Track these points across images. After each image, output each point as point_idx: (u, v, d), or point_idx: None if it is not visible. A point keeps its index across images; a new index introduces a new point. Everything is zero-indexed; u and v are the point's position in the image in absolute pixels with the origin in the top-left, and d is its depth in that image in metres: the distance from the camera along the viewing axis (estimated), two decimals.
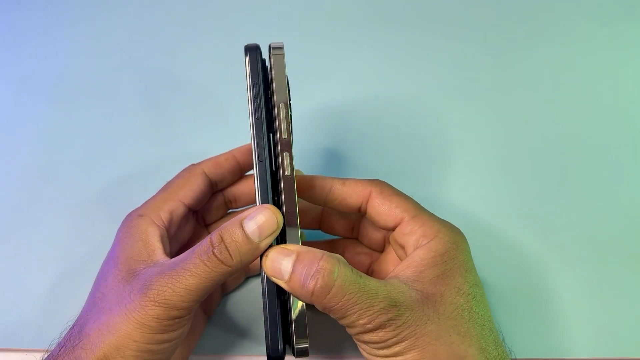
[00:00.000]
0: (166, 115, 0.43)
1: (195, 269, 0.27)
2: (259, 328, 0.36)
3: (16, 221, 0.40)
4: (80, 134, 0.43)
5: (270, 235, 0.27)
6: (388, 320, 0.26)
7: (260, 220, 0.27)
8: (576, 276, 0.38)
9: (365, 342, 0.27)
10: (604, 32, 0.46)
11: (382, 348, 0.27)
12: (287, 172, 0.28)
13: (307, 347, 0.28)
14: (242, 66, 0.29)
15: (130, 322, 0.26)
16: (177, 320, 0.27)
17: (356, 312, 0.26)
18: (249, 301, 0.37)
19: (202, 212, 0.35)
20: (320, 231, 0.36)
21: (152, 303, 0.26)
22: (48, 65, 0.46)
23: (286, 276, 0.27)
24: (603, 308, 0.37)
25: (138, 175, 0.41)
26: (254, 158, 0.28)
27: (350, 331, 0.27)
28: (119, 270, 0.29)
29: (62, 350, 0.28)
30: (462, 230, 0.31)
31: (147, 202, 0.32)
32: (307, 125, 0.43)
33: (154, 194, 0.33)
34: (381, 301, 0.26)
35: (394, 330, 0.26)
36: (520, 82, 0.44)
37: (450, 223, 0.31)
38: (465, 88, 0.44)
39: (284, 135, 0.28)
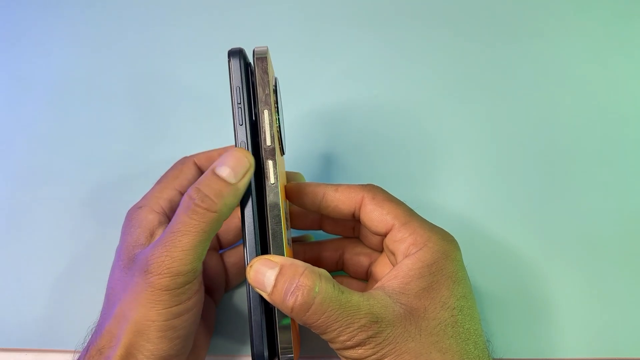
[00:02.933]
0: (163, 116, 0.44)
1: (184, 227, 0.26)
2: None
3: (14, 221, 0.40)
4: (78, 134, 0.43)
5: (245, 173, 0.27)
6: (368, 338, 0.26)
7: (230, 162, 0.27)
8: (572, 277, 0.37)
9: (346, 358, 0.27)
10: (603, 31, 0.44)
11: None
12: (272, 180, 0.28)
13: (292, 356, 0.28)
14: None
15: (142, 303, 0.26)
16: (186, 286, 0.27)
17: (336, 329, 0.26)
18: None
19: None
20: (321, 231, 0.36)
21: (156, 277, 0.26)
22: (45, 66, 0.46)
23: (268, 289, 0.26)
24: (599, 308, 0.36)
25: (136, 175, 0.41)
26: None
27: (332, 346, 0.27)
28: (122, 260, 0.29)
29: (87, 355, 0.28)
30: (455, 234, 0.31)
31: (144, 195, 0.33)
32: (302, 126, 0.42)
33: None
34: (362, 317, 0.26)
35: (373, 348, 0.26)
36: (517, 83, 0.43)
37: (442, 230, 0.31)
38: (461, 90, 0.43)
39: (268, 142, 0.28)
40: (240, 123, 0.28)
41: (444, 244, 0.29)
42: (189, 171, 0.33)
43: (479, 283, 0.37)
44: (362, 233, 0.35)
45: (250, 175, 0.27)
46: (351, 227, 0.35)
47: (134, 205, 0.32)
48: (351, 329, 0.25)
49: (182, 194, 0.32)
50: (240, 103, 0.28)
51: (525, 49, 0.44)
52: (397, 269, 0.28)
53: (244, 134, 0.28)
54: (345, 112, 0.43)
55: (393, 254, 0.31)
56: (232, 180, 0.27)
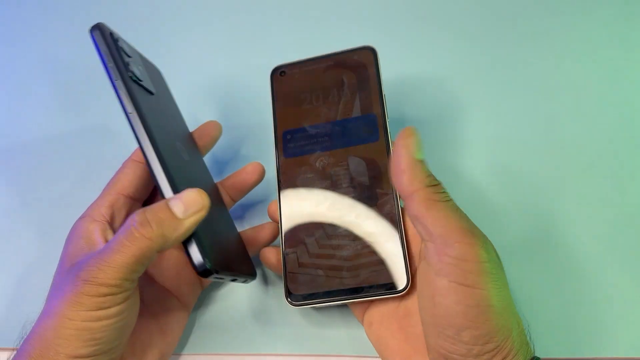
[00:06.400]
0: None
1: (117, 247, 0.27)
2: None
3: (14, 221, 0.41)
4: (80, 129, 0.44)
5: (195, 213, 0.28)
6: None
7: (185, 199, 0.28)
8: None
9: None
10: (607, 30, 0.45)
11: None
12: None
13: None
14: None
15: (65, 302, 0.27)
16: (108, 297, 0.27)
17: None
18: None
19: (151, 201, 0.36)
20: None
21: (82, 282, 0.27)
22: (46, 63, 0.46)
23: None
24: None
25: None
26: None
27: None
28: (63, 267, 0.31)
29: (15, 353, 0.29)
30: (477, 217, 0.31)
31: (90, 205, 0.33)
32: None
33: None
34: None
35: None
36: (523, 78, 0.43)
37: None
38: (466, 86, 0.44)
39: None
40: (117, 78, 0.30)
41: None
42: (130, 171, 0.34)
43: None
44: None
45: (200, 217, 0.29)
46: None
47: (79, 217, 0.33)
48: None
49: (124, 196, 0.33)
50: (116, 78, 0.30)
51: (529, 45, 0.44)
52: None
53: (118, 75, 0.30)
54: None
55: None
56: (179, 214, 0.28)
